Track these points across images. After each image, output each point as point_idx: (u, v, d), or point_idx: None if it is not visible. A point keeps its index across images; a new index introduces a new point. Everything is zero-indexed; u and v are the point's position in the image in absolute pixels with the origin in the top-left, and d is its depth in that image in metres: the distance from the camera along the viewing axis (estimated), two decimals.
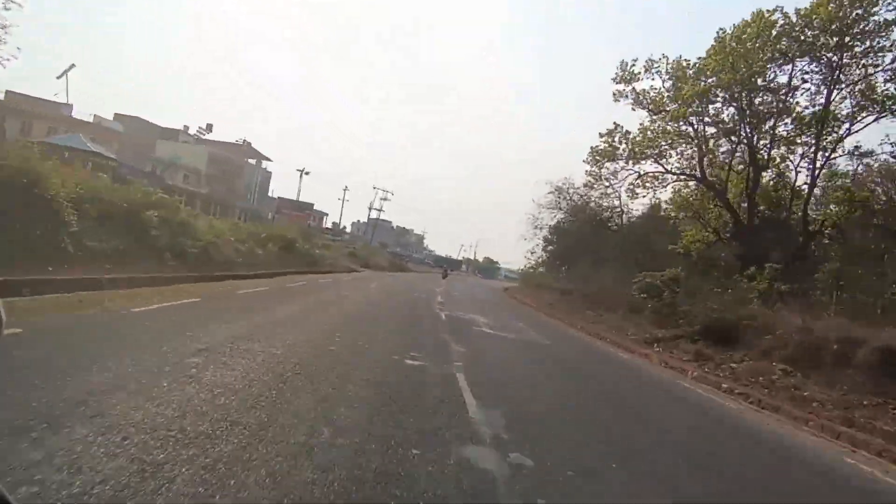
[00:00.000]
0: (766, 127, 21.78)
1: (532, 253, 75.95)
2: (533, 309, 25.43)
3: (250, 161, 61.10)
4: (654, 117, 24.36)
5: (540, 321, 19.92)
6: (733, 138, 22.17)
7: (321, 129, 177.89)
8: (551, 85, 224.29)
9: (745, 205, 22.76)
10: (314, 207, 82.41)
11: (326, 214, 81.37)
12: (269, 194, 63.47)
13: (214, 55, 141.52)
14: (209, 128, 61.30)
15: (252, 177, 59.68)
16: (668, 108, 23.47)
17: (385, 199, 69.28)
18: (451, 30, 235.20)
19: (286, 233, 20.70)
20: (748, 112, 21.55)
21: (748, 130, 21.69)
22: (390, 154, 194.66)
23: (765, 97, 21.42)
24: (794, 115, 20.95)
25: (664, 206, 29.56)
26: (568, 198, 30.09)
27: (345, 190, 78.60)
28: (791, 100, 21.21)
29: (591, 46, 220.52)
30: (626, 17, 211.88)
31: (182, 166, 50.64)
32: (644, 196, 27.14)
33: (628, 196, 28.30)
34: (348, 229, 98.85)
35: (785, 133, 21.95)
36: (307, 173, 56.88)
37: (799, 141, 21.80)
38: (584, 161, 26.44)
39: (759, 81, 20.71)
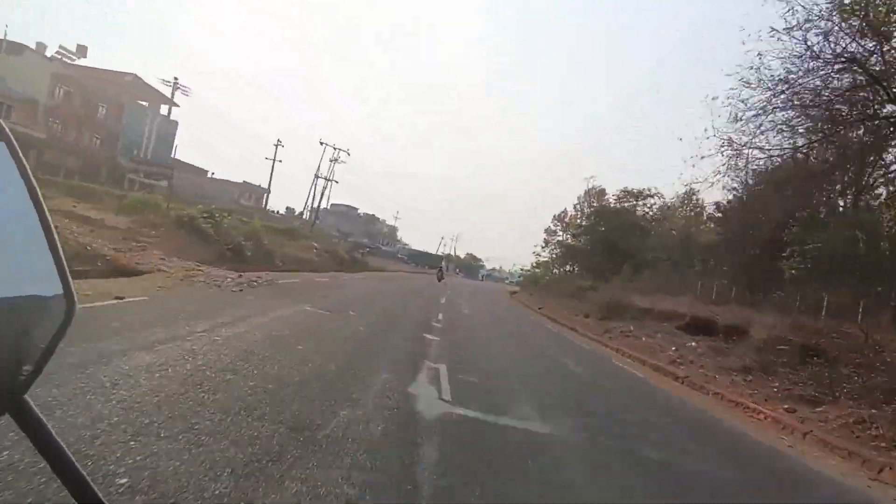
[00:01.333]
0: None
1: (542, 248, 58.30)
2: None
3: (142, 103, 41.54)
4: None
5: None
6: None
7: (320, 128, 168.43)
8: (550, 80, 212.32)
9: None
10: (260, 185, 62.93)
11: (267, 191, 61.77)
12: (173, 154, 43.90)
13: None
14: (81, 51, 41.47)
15: (142, 123, 40.07)
16: None
17: (337, 159, 49.09)
18: (450, 29, 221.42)
19: None
20: None
21: None
22: (388, 149, 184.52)
23: None
24: None
25: None
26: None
27: (276, 145, 51.58)
28: None
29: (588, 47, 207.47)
30: (619, 17, 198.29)
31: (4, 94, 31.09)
32: None
33: None
34: (305, 215, 79.23)
35: None
36: (186, 93, 37.32)
37: None
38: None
39: None
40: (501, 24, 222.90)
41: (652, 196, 34.11)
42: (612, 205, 34.74)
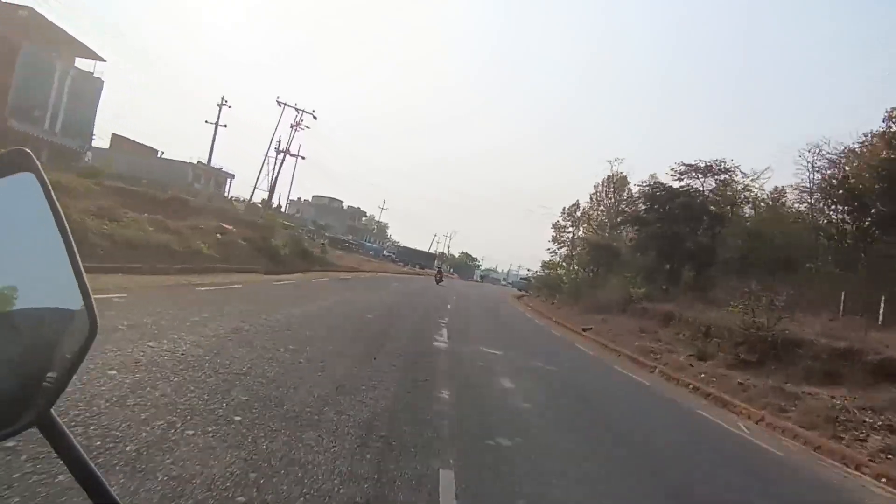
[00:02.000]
0: None
1: (556, 245, 49.14)
2: None
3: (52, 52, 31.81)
4: None
5: None
6: None
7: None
8: (555, 69, 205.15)
9: None
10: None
11: (232, 176, 52.02)
12: (96, 119, 34.36)
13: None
14: None
15: (48, 76, 30.38)
16: None
17: (300, 124, 38.08)
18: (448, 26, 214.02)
19: None
20: None
21: None
22: (385, 147, 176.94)
23: None
24: None
25: None
26: None
27: (220, 105, 40.37)
28: None
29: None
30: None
31: None
32: None
33: None
34: (284, 207, 69.21)
35: None
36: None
37: None
38: None
39: None
40: (503, 9, 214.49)
41: (726, 171, 25.20)
42: (673, 186, 25.63)
